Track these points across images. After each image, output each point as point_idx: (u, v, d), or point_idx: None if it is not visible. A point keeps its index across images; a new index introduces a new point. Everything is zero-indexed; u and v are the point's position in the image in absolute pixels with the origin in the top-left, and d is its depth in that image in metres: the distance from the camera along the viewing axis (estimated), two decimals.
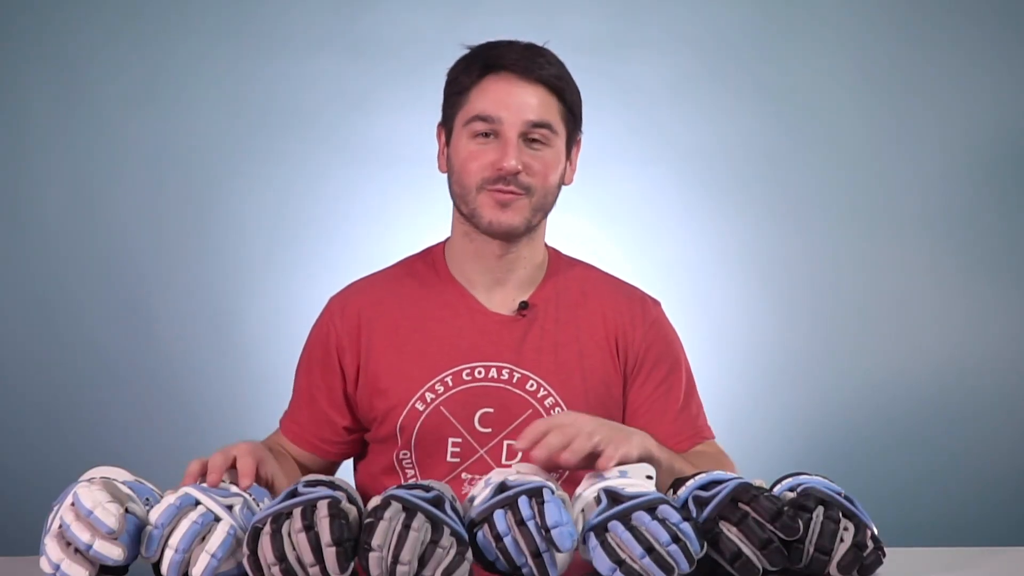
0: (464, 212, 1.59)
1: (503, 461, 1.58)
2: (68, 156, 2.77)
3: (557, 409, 1.59)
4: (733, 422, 2.80)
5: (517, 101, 1.54)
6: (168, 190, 2.79)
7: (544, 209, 1.60)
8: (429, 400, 1.58)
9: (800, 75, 2.88)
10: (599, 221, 2.80)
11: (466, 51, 1.61)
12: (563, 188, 1.65)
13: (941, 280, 2.86)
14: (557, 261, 1.69)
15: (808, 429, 2.80)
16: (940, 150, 2.88)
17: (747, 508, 1.21)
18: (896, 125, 2.88)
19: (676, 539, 1.15)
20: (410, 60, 2.75)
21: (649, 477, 1.28)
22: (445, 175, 1.63)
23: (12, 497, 2.61)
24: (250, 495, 1.25)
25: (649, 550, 1.14)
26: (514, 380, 1.59)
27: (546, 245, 1.69)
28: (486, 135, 1.55)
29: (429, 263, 1.67)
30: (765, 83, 2.87)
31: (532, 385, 1.59)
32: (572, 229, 2.46)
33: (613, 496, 1.21)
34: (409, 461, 1.59)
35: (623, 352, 1.65)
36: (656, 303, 1.72)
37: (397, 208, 2.73)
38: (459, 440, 1.58)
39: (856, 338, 2.86)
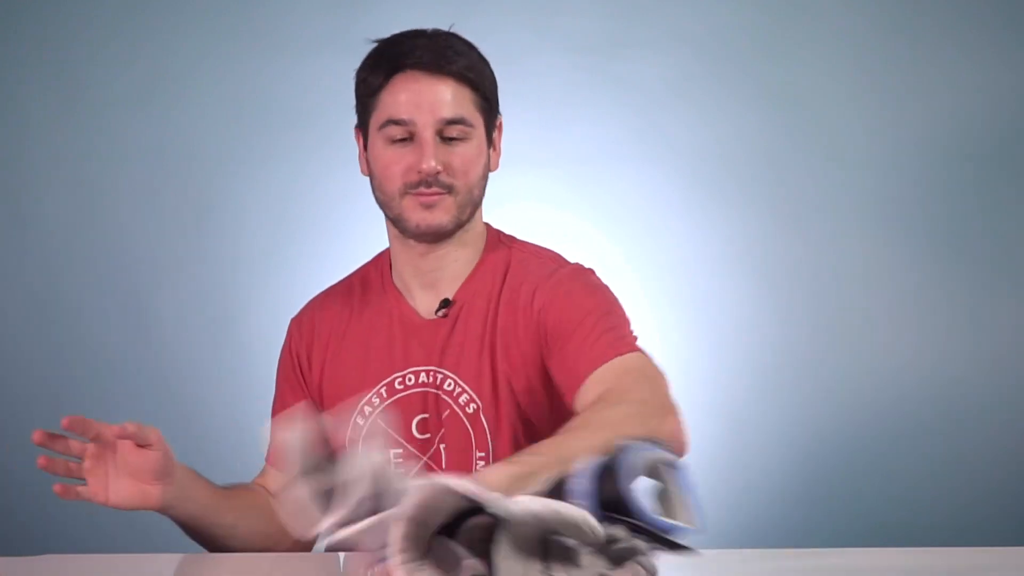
0: (390, 217, 1.56)
1: (443, 466, 1.54)
2: (68, 156, 2.77)
3: (472, 406, 1.54)
4: (732, 422, 2.81)
5: (429, 99, 1.51)
6: (168, 190, 2.79)
7: (472, 203, 1.55)
8: (368, 413, 1.56)
9: (801, 75, 2.87)
10: (598, 221, 2.80)
11: (373, 45, 1.59)
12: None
13: (942, 280, 2.85)
14: (490, 248, 1.61)
15: (808, 429, 2.80)
16: (941, 151, 2.87)
17: None
18: (896, 126, 2.88)
19: None
20: None
21: None
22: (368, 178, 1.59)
23: (12, 497, 2.62)
24: None
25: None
26: (437, 382, 1.55)
27: (487, 226, 1.63)
28: (402, 139, 1.51)
29: (378, 270, 1.65)
30: (765, 83, 2.87)
31: (450, 384, 1.55)
32: (572, 229, 2.47)
33: None
34: None
35: (542, 326, 1.54)
36: (572, 266, 1.60)
37: None
38: (399, 451, 1.55)
39: (857, 338, 2.86)
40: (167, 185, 2.79)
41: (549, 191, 2.65)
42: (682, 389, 2.90)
